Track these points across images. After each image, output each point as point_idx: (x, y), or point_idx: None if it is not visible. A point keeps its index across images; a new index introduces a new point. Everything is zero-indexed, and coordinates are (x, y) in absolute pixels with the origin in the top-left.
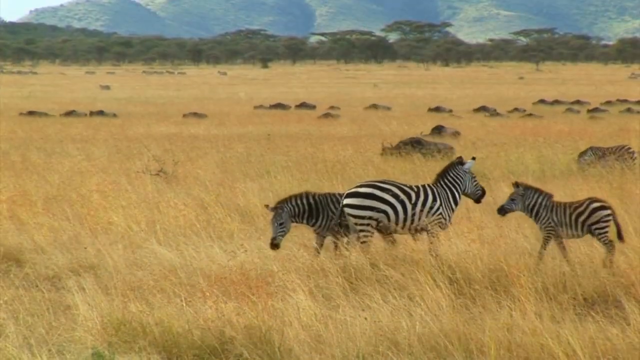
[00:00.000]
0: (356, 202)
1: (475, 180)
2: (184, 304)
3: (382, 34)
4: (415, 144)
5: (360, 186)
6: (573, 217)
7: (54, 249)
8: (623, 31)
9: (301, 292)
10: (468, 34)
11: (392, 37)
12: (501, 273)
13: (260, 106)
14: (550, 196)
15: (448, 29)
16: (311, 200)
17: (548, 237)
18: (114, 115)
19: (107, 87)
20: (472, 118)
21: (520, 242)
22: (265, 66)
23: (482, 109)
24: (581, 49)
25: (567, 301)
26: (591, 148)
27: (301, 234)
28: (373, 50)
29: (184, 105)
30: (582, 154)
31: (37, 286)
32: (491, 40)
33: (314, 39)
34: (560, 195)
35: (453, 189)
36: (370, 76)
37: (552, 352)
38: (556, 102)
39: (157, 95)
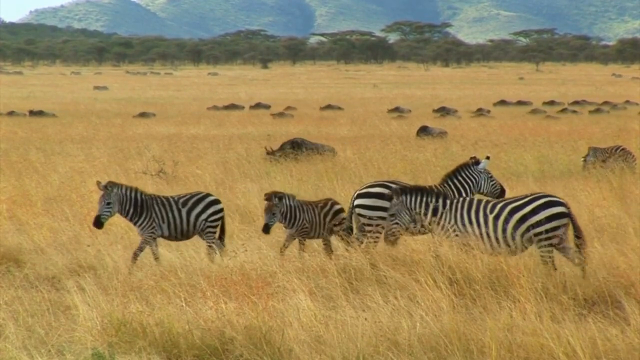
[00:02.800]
0: (368, 203)
1: (492, 180)
2: (184, 305)
3: (382, 35)
4: (296, 145)
5: (372, 186)
6: (321, 216)
7: (54, 250)
8: (623, 31)
9: (301, 293)
10: (468, 34)
11: (392, 38)
12: (501, 273)
13: (214, 107)
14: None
15: (448, 29)
16: (138, 197)
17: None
18: (54, 115)
19: (105, 88)
20: (473, 118)
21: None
22: (265, 67)
23: (442, 109)
24: (581, 50)
25: (567, 301)
26: (591, 149)
27: None
28: (373, 50)
29: (140, 105)
30: (586, 155)
31: (36, 287)
32: (491, 40)
33: (313, 40)
34: (560, 195)
35: (462, 190)
36: (370, 77)
37: (552, 352)
38: (520, 102)
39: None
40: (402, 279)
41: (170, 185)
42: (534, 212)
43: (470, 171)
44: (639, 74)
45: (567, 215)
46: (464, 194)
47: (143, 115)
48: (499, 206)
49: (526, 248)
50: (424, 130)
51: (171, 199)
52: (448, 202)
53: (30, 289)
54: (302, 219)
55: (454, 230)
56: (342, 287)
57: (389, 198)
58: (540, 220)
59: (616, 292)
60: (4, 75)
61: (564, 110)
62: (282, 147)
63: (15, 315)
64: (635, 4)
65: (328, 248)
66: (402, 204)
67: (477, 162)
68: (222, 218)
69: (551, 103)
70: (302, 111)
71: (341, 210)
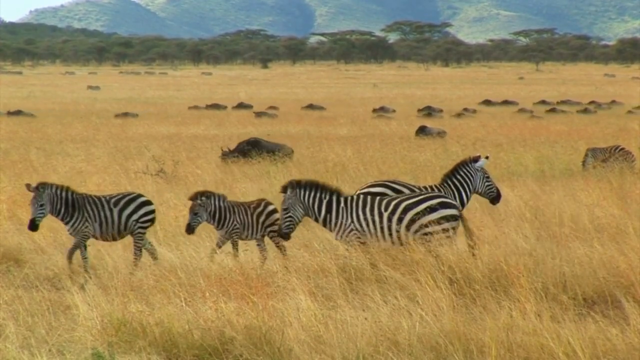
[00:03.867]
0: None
1: (488, 180)
2: (184, 304)
3: (382, 34)
4: (253, 145)
5: (372, 186)
6: (254, 217)
7: (54, 249)
8: (623, 31)
9: (301, 293)
10: (468, 34)
11: (392, 38)
12: (501, 273)
13: (195, 107)
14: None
15: (448, 29)
16: (69, 196)
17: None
18: (32, 115)
19: (97, 88)
20: (473, 118)
21: (520, 243)
22: (265, 66)
23: (427, 108)
24: (581, 49)
25: (567, 301)
26: (589, 149)
27: (301, 235)
28: (373, 50)
29: (118, 106)
30: (585, 157)
31: (37, 286)
32: (491, 40)
33: (313, 39)
34: (560, 195)
35: (461, 188)
36: (370, 76)
37: (552, 352)
38: (505, 102)
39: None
40: (402, 279)
41: (170, 185)
42: (428, 211)
43: (468, 168)
44: (639, 74)
45: (459, 217)
46: (463, 194)
47: (126, 115)
48: (393, 203)
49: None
50: (422, 130)
51: (103, 199)
52: (342, 198)
53: (30, 289)
54: (233, 220)
55: (348, 227)
56: (342, 287)
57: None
58: (433, 220)
59: (616, 292)
60: (4, 75)
61: (552, 110)
62: (238, 147)
63: (16, 315)
64: (635, 4)
65: (262, 249)
66: (296, 198)
67: (476, 160)
68: (153, 219)
69: (542, 102)
70: (284, 110)
71: (275, 211)
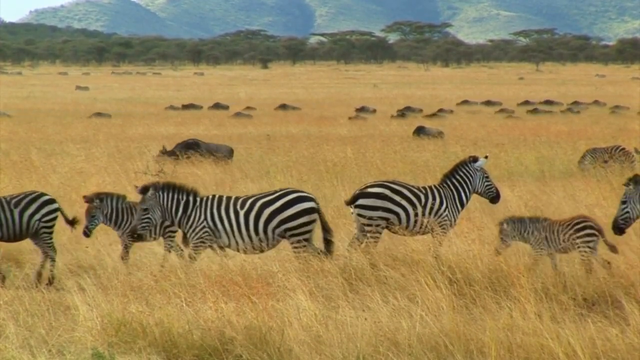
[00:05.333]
0: (368, 203)
1: (488, 180)
2: (184, 305)
3: (382, 35)
4: (192, 145)
5: (371, 186)
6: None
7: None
8: (623, 31)
9: (301, 293)
10: (468, 34)
11: (392, 38)
12: (501, 274)
13: (171, 107)
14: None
15: (448, 29)
16: None
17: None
18: (7, 115)
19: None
20: (472, 118)
21: (520, 243)
22: (265, 67)
23: (408, 108)
24: (581, 50)
25: (567, 301)
26: (588, 151)
27: None
28: (373, 50)
29: (92, 105)
30: (582, 158)
31: (37, 287)
32: (491, 40)
33: (313, 40)
34: (560, 196)
35: (460, 189)
36: (370, 77)
37: (552, 352)
38: (488, 102)
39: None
40: (402, 279)
41: None
42: (285, 207)
43: (467, 168)
44: (639, 74)
45: (317, 210)
46: (462, 194)
47: (99, 115)
48: (249, 202)
49: (277, 243)
50: (420, 131)
51: (3, 200)
52: (198, 198)
53: (30, 289)
54: (130, 222)
55: (203, 227)
56: (342, 287)
57: (389, 198)
58: (291, 215)
59: (616, 292)
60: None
61: (534, 111)
62: (177, 147)
63: (16, 315)
64: (635, 4)
65: (167, 251)
66: (156, 200)
67: (475, 160)
68: (56, 218)
69: (525, 103)
70: (262, 111)
71: None
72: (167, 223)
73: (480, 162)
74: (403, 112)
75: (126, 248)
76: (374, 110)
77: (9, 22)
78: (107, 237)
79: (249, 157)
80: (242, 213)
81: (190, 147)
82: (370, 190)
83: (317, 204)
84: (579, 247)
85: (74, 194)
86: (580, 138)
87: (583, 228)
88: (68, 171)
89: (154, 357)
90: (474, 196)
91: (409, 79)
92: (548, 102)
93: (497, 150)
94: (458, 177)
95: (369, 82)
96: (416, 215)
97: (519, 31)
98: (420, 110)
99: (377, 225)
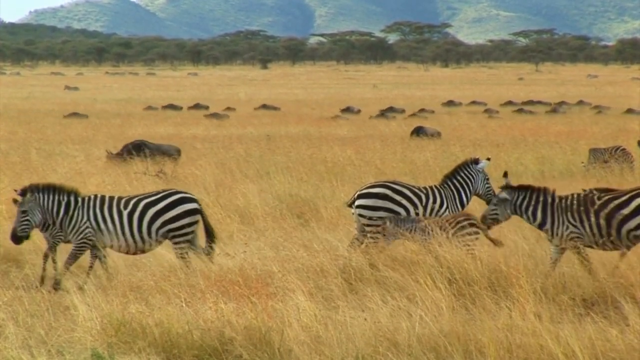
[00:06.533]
0: (369, 203)
1: (488, 183)
2: (184, 305)
3: (382, 35)
4: (138, 147)
5: (372, 187)
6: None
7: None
8: (623, 32)
9: (301, 293)
10: (467, 34)
11: (392, 38)
12: (500, 274)
13: (149, 107)
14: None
15: (448, 29)
16: None
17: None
18: None
19: (76, 89)
20: (472, 119)
21: (519, 244)
22: (264, 67)
23: (390, 109)
24: (581, 50)
25: (567, 302)
26: (591, 151)
27: (301, 235)
28: (373, 51)
29: (67, 105)
30: (588, 159)
31: (36, 287)
32: (491, 41)
33: (313, 40)
34: None
35: (461, 189)
36: (370, 77)
37: (552, 353)
38: (473, 102)
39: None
40: (402, 280)
41: (170, 185)
42: (169, 207)
43: (469, 170)
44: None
45: (200, 212)
46: (463, 194)
47: (74, 115)
48: (132, 202)
49: (160, 243)
50: (418, 131)
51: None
52: (80, 198)
53: (30, 290)
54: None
55: (86, 228)
56: (342, 287)
57: (390, 198)
58: (175, 216)
59: (615, 292)
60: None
61: (519, 111)
62: (123, 150)
63: (15, 316)
64: (634, 4)
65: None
66: (35, 202)
67: (477, 162)
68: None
69: (509, 103)
70: (242, 111)
71: None
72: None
73: (482, 164)
74: (383, 113)
75: (51, 250)
76: (359, 111)
77: (8, 22)
78: None
79: (249, 157)
80: (125, 213)
81: (137, 148)
82: (371, 190)
83: (200, 205)
84: (465, 244)
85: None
86: (580, 138)
87: (467, 225)
88: (68, 172)
89: (154, 357)
90: (474, 197)
91: (409, 80)
92: (530, 102)
93: (496, 150)
94: (459, 178)
95: (369, 82)
96: (417, 215)
97: (518, 31)
98: (403, 111)
99: (378, 226)
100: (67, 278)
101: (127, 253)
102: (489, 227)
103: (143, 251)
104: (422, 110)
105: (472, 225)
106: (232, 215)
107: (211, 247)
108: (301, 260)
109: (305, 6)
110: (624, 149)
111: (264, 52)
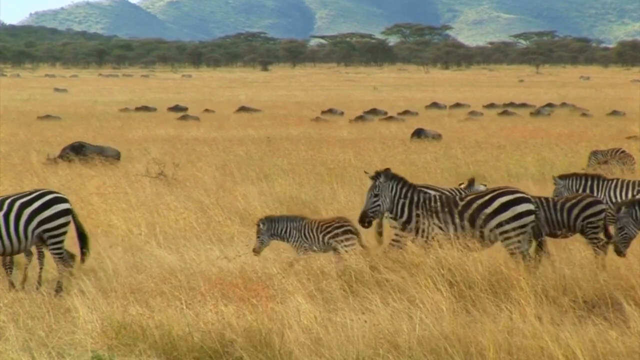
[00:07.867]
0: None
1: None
2: (184, 307)
3: (382, 37)
4: (77, 148)
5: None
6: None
7: None
8: (623, 34)
9: (301, 295)
10: (468, 36)
11: (392, 40)
12: (501, 276)
13: (125, 109)
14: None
15: (448, 31)
16: None
17: None
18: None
19: (65, 90)
20: (472, 120)
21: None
22: (265, 69)
23: (373, 110)
24: (581, 52)
25: (567, 304)
26: (592, 153)
27: None
28: (373, 53)
29: (41, 107)
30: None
31: (37, 289)
32: (491, 43)
33: (314, 42)
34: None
35: None
36: (371, 79)
37: (552, 354)
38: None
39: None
40: (402, 282)
41: (170, 187)
42: (43, 207)
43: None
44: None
45: (71, 212)
46: None
47: (47, 117)
48: (7, 203)
49: (32, 246)
50: (419, 133)
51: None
52: None
53: (30, 292)
54: None
55: None
56: (342, 289)
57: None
58: (50, 216)
59: (616, 294)
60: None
61: (504, 113)
62: (63, 152)
63: (16, 318)
64: (635, 7)
65: (41, 258)
66: None
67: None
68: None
69: (491, 105)
70: (221, 113)
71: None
72: None
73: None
74: (362, 116)
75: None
76: (342, 113)
77: (9, 24)
78: (106, 240)
79: (249, 159)
80: (1, 214)
81: (76, 150)
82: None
83: (71, 205)
84: (343, 247)
85: (73, 196)
86: (580, 140)
87: (343, 231)
88: (68, 174)
89: (154, 359)
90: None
91: (409, 82)
92: (512, 104)
93: (497, 152)
94: None
95: (369, 84)
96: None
97: (519, 34)
98: (385, 113)
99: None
100: (67, 280)
101: (2, 255)
102: (371, 223)
103: (18, 252)
104: (405, 111)
105: (349, 230)
106: (233, 217)
107: (83, 252)
108: (301, 262)
109: (306, 8)
110: (624, 151)
111: (264, 54)
